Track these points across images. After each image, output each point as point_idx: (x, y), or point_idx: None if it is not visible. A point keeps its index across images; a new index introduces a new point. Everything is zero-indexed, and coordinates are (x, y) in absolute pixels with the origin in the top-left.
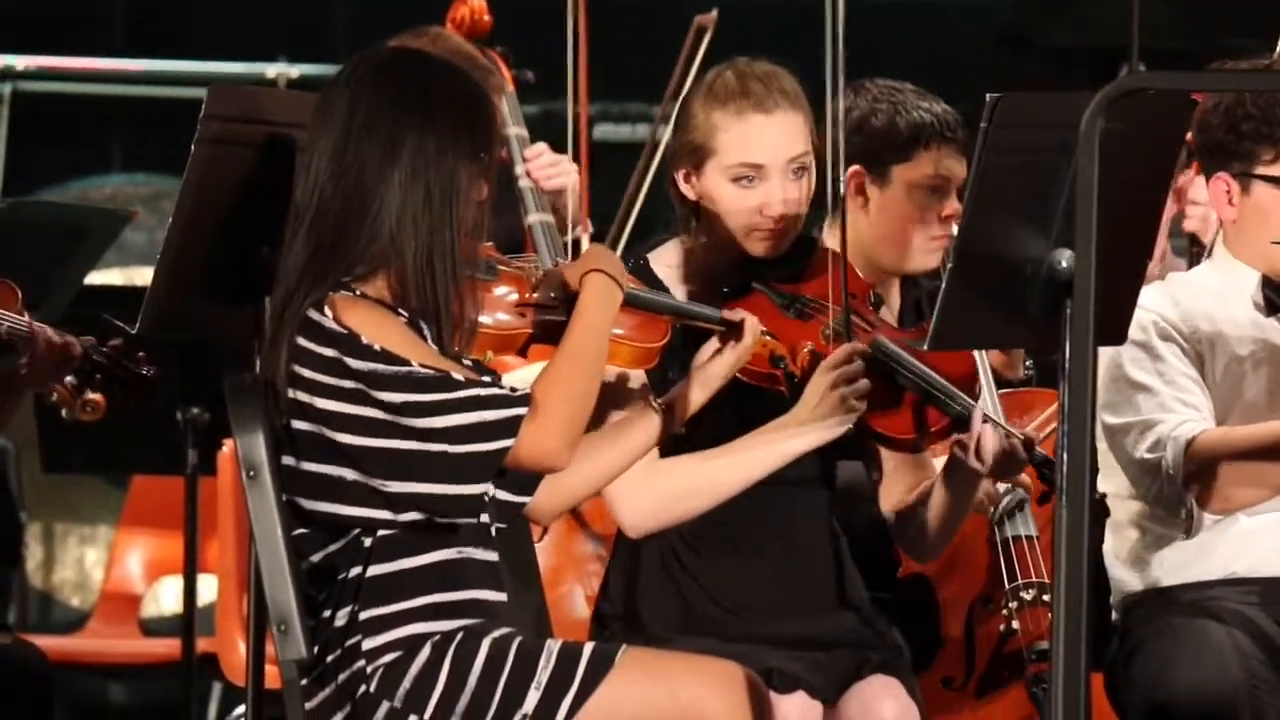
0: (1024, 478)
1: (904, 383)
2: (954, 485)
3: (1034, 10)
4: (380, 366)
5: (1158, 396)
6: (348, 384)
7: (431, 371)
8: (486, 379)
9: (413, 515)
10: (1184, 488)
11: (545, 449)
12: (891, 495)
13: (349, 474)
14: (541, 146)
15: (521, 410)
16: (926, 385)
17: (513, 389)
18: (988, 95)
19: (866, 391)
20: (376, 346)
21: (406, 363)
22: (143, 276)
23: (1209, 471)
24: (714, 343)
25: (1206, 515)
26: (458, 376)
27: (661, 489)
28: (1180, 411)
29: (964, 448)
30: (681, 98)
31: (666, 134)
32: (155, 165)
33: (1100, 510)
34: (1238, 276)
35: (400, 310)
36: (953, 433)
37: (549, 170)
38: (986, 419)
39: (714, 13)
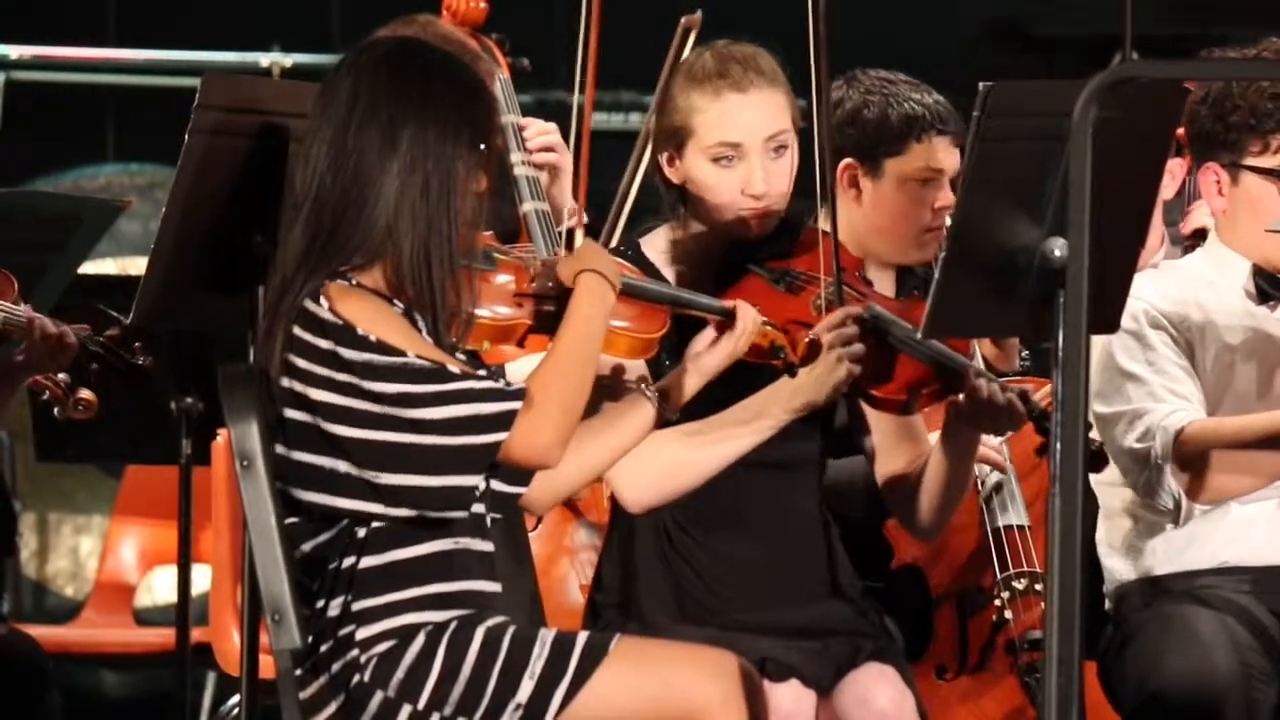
0: (999, 458)
1: (897, 345)
2: (951, 452)
3: None
4: (375, 357)
5: (1147, 385)
6: (342, 376)
7: (427, 363)
8: (481, 372)
9: (404, 511)
10: (1173, 477)
11: (538, 445)
12: (887, 468)
13: (342, 466)
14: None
15: (516, 405)
16: (919, 347)
17: (507, 383)
18: (980, 84)
19: (861, 354)
20: (372, 337)
21: (402, 353)
22: (137, 266)
23: (1198, 462)
24: (710, 332)
25: (1196, 505)
26: (453, 369)
27: (659, 464)
28: (1170, 401)
29: (962, 402)
30: (662, 84)
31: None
32: (149, 155)
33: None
34: (1230, 265)
35: (396, 301)
36: (946, 394)
37: (548, 139)
38: (980, 374)
39: (699, 14)
